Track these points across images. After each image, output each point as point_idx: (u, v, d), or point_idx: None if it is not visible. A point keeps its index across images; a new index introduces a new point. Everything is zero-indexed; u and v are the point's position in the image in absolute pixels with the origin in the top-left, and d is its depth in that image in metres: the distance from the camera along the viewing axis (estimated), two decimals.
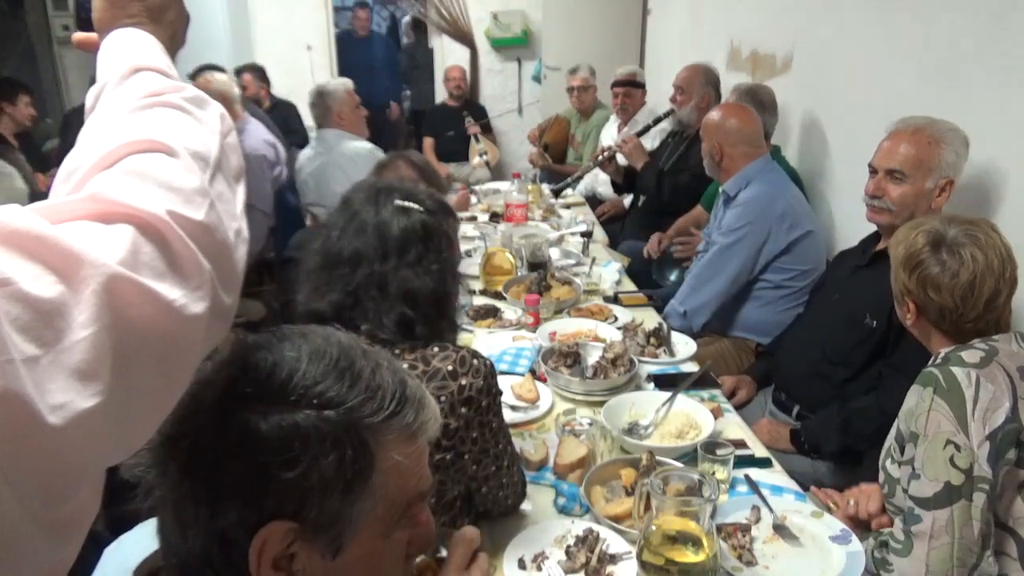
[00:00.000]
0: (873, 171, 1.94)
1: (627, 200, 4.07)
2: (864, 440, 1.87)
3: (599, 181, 4.30)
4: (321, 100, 3.52)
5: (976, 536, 1.28)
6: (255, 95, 4.84)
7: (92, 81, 0.77)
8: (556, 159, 4.89)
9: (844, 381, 1.99)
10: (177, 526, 0.65)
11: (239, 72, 5.08)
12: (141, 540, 0.84)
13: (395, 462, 0.68)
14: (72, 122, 4.33)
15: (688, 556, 1.16)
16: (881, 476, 1.48)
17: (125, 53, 0.76)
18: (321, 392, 0.65)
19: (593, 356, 2.00)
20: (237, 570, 0.64)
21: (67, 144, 0.68)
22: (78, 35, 0.85)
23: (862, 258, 2.07)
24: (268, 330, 0.71)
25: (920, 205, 1.87)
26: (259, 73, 4.97)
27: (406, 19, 7.46)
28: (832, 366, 2.01)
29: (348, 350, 0.69)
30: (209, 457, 0.63)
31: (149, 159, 0.63)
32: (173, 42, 0.82)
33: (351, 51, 6.55)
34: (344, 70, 6.15)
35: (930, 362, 1.41)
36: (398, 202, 1.30)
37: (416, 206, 1.31)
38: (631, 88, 4.11)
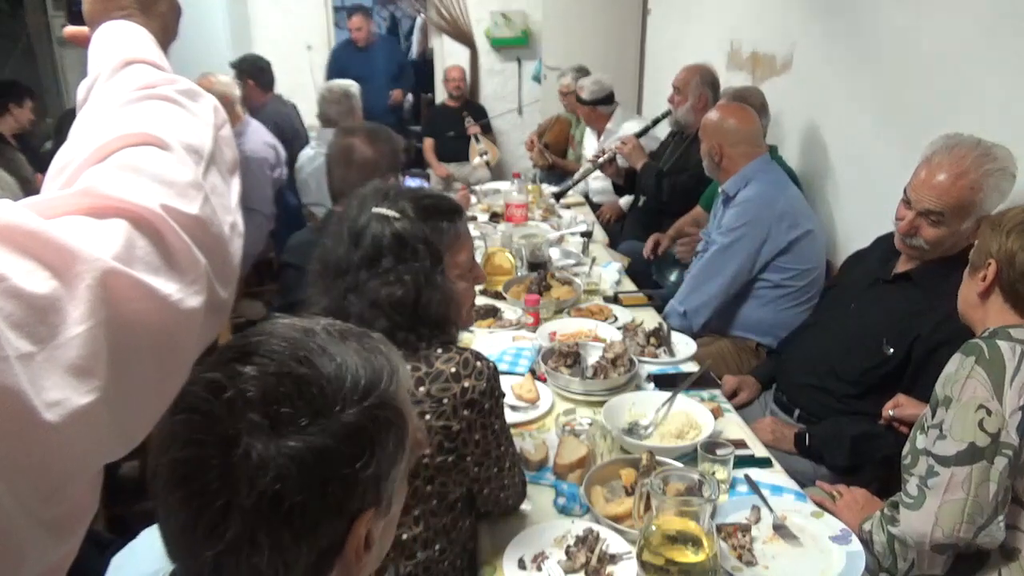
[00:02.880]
0: (907, 200, 1.83)
1: (622, 201, 4.08)
2: (871, 460, 1.85)
3: (593, 189, 4.30)
4: (347, 100, 3.52)
5: (990, 498, 1.30)
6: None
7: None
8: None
9: (848, 396, 1.97)
10: (281, 567, 0.65)
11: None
12: (152, 546, 0.83)
13: (412, 415, 0.74)
14: (66, 124, 4.28)
15: (688, 556, 1.16)
16: (906, 447, 1.49)
17: (117, 46, 0.75)
18: (355, 385, 0.68)
19: (593, 356, 1.99)
20: (329, 567, 0.68)
21: (60, 146, 0.67)
22: (69, 29, 0.84)
23: (883, 271, 2.00)
24: (250, 343, 0.69)
25: (958, 243, 1.80)
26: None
27: (418, 22, 7.39)
28: (839, 382, 1.99)
29: (347, 332, 0.73)
30: (298, 496, 0.63)
31: (142, 153, 0.62)
32: (165, 34, 0.81)
33: (348, 63, 5.65)
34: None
35: (978, 335, 1.43)
36: (375, 210, 1.29)
37: (394, 214, 1.28)
38: (591, 106, 4.09)
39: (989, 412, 1.31)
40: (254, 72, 4.41)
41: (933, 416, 1.42)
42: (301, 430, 0.63)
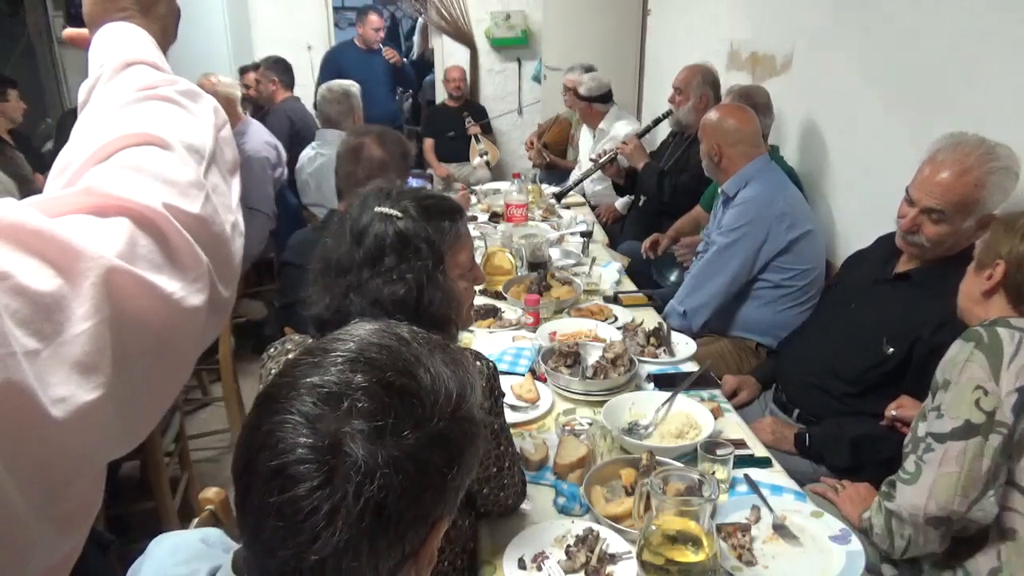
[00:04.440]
0: (909, 199, 1.84)
1: (619, 202, 4.08)
2: (872, 461, 1.85)
3: (590, 193, 4.31)
4: (347, 100, 3.53)
5: (983, 472, 1.33)
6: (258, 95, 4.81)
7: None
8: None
9: (847, 395, 1.97)
10: (371, 570, 0.67)
11: (243, 71, 5.06)
12: (170, 554, 0.83)
13: None
14: (66, 125, 4.27)
15: (688, 556, 1.16)
16: (907, 438, 1.50)
17: (117, 47, 0.75)
18: (448, 397, 0.70)
19: (593, 356, 2.00)
20: (402, 570, 0.70)
21: (61, 147, 0.67)
22: (68, 31, 0.85)
23: (883, 271, 2.00)
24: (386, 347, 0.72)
25: (959, 242, 1.80)
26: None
27: (419, 23, 7.37)
28: (838, 381, 1.99)
29: (431, 342, 0.74)
30: (399, 504, 0.65)
31: (144, 152, 0.63)
32: (164, 36, 0.82)
33: (349, 65, 5.40)
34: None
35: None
36: (378, 209, 1.29)
37: (397, 213, 1.28)
38: (587, 103, 4.12)
39: (986, 392, 1.34)
40: (279, 71, 4.60)
41: (933, 400, 1.44)
42: (402, 440, 0.65)
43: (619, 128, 4.00)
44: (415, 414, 0.66)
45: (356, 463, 0.62)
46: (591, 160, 3.93)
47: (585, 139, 4.38)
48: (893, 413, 1.79)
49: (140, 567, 0.84)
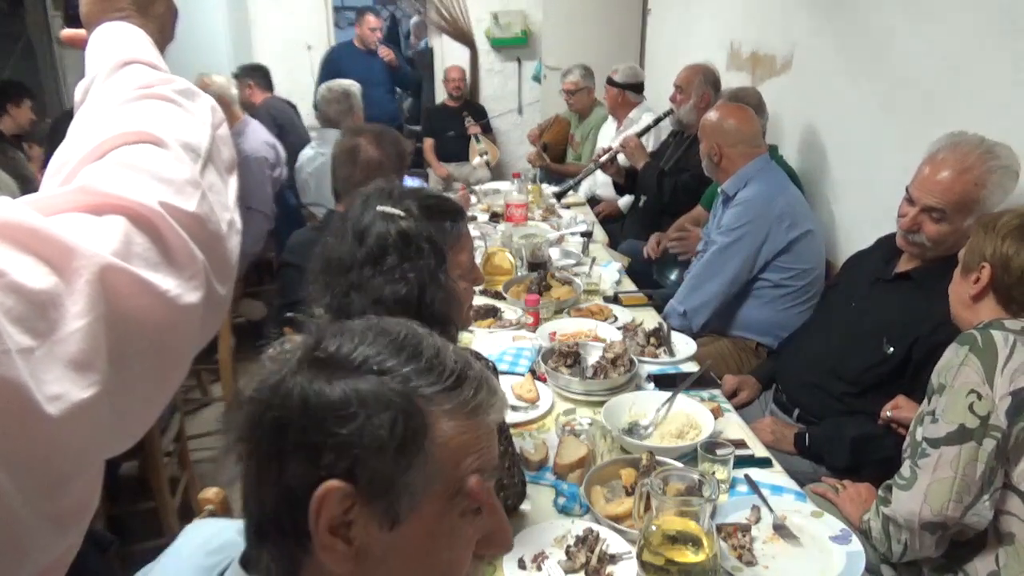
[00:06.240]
0: (910, 198, 1.83)
1: (622, 201, 4.08)
2: (871, 461, 1.85)
3: (598, 183, 4.31)
4: (347, 99, 3.53)
5: (977, 477, 1.33)
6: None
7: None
8: (555, 159, 4.88)
9: (847, 395, 1.97)
10: (256, 486, 0.68)
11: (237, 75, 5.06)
12: (196, 547, 0.83)
13: (452, 436, 0.69)
14: (61, 126, 4.28)
15: (688, 556, 1.16)
16: (906, 441, 1.50)
17: (114, 46, 0.75)
18: (381, 361, 0.68)
19: (593, 356, 1.99)
20: (302, 533, 0.66)
21: (53, 150, 0.68)
22: (66, 31, 0.85)
23: (884, 271, 2.00)
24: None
25: (960, 242, 1.76)
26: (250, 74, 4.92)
27: (413, 21, 7.37)
28: (839, 381, 1.99)
29: (415, 332, 0.74)
30: (283, 418, 0.66)
31: (140, 151, 0.63)
32: (162, 36, 0.82)
33: (349, 65, 5.34)
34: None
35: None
36: (380, 208, 1.29)
37: (399, 212, 1.29)
38: (620, 90, 4.12)
39: (980, 396, 1.33)
40: (255, 76, 4.64)
41: (929, 404, 1.44)
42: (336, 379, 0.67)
43: (647, 121, 3.94)
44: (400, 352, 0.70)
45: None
46: (591, 161, 3.92)
47: (607, 131, 4.34)
48: (888, 414, 1.79)
49: (174, 547, 0.84)
